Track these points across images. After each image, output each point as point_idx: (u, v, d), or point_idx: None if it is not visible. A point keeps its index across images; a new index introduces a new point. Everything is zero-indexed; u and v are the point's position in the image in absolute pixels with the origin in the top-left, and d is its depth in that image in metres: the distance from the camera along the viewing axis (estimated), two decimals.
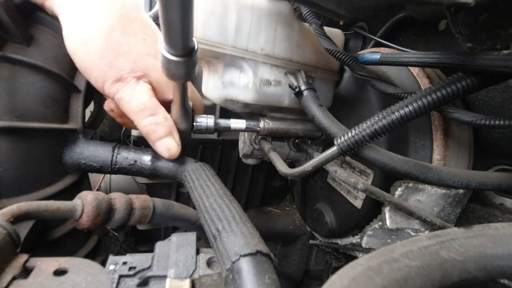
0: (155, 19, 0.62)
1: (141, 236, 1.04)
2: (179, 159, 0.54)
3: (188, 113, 0.51)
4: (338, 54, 0.54)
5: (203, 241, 0.54)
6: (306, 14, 0.55)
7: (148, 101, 0.48)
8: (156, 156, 0.54)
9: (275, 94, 0.61)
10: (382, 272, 0.23)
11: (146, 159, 0.54)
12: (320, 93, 0.59)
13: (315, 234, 0.81)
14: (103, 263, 0.31)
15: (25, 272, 0.29)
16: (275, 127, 0.64)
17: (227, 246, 0.31)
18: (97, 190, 0.90)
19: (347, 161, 0.64)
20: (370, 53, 0.53)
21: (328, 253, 0.88)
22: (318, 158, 0.47)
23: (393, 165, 0.44)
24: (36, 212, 0.35)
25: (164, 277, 0.30)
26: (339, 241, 0.68)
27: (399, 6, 0.70)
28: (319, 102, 0.54)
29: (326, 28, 0.58)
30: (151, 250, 0.34)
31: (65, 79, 0.52)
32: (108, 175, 0.93)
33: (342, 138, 0.43)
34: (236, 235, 0.32)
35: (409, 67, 0.60)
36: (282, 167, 0.57)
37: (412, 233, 0.54)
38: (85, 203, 0.40)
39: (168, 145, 0.51)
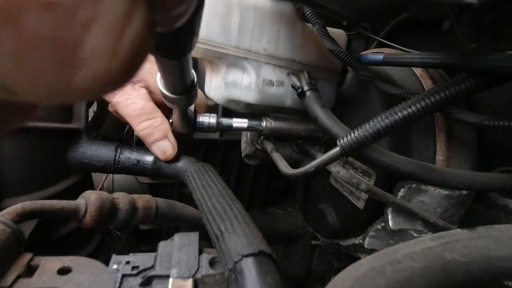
0: None
1: (143, 236, 1.04)
2: (182, 160, 0.55)
3: (189, 118, 0.52)
4: (341, 55, 0.54)
5: (205, 241, 0.54)
6: (309, 15, 0.55)
7: (145, 106, 0.50)
8: None
9: (278, 95, 0.61)
10: (385, 273, 0.23)
11: (149, 159, 0.54)
12: (323, 93, 0.59)
13: (317, 235, 0.81)
14: (106, 263, 0.31)
15: (30, 270, 0.29)
16: (277, 126, 0.64)
17: (230, 246, 0.31)
18: (100, 189, 0.90)
19: (349, 161, 0.64)
20: (373, 54, 0.53)
21: (331, 254, 0.88)
22: (321, 158, 0.47)
23: (396, 166, 0.44)
24: (40, 211, 0.35)
25: (167, 276, 0.30)
26: (341, 242, 0.68)
27: (402, 7, 0.69)
28: (322, 102, 0.54)
29: (329, 29, 0.58)
30: (153, 249, 0.34)
31: None
32: (111, 175, 0.93)
33: (345, 139, 0.43)
34: (238, 235, 0.32)
35: (412, 68, 0.59)
36: (284, 167, 0.57)
37: (415, 234, 0.54)
38: (88, 202, 0.40)
39: (163, 147, 0.52)
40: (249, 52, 0.56)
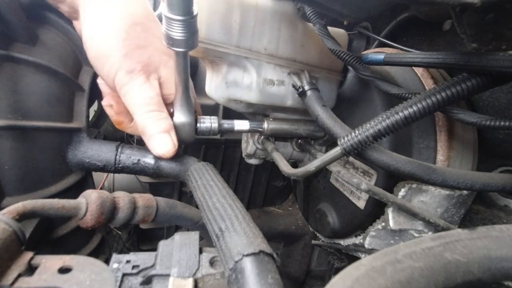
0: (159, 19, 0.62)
1: (144, 235, 1.05)
2: (182, 159, 0.54)
3: (190, 102, 0.51)
4: (341, 54, 0.54)
5: (205, 240, 0.54)
6: (310, 14, 0.55)
7: (155, 97, 0.49)
8: None
9: (279, 94, 0.61)
10: (385, 273, 0.23)
11: (150, 158, 0.54)
12: (323, 93, 0.59)
13: (317, 235, 0.81)
14: (107, 262, 0.31)
15: (30, 269, 0.29)
16: (278, 127, 0.64)
17: (230, 245, 0.31)
18: (101, 189, 0.90)
19: (350, 161, 0.64)
20: (374, 53, 0.53)
21: (331, 253, 0.88)
22: (321, 158, 0.47)
23: (397, 166, 0.44)
24: (41, 210, 0.35)
25: (167, 276, 0.30)
26: (341, 242, 0.68)
27: (404, 6, 0.69)
28: (322, 102, 0.54)
29: (330, 28, 0.57)
30: (154, 249, 0.34)
31: (70, 78, 0.52)
32: (112, 174, 0.93)
33: (346, 139, 0.43)
34: (239, 235, 0.32)
35: (413, 68, 0.59)
36: (285, 167, 0.57)
37: (416, 234, 0.54)
38: (89, 201, 0.40)
39: (165, 140, 0.49)
40: (250, 52, 0.56)
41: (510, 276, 0.25)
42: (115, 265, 0.31)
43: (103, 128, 0.97)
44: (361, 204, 0.59)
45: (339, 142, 0.44)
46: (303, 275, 1.11)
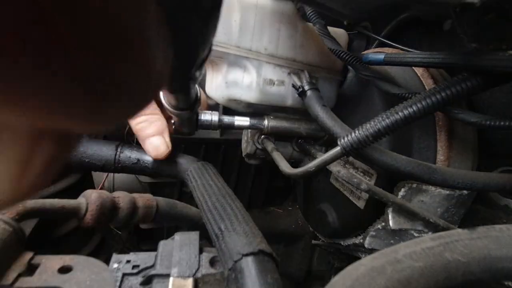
0: None
1: (144, 235, 1.05)
2: (182, 159, 0.54)
3: (192, 118, 0.52)
4: (341, 54, 0.54)
5: (205, 240, 0.54)
6: (310, 14, 0.55)
7: None
8: None
9: (279, 94, 0.61)
10: (385, 273, 0.23)
11: (149, 158, 0.54)
12: (323, 93, 0.59)
13: (317, 235, 0.81)
14: (107, 261, 0.31)
15: (30, 269, 0.29)
16: (279, 125, 0.64)
17: (230, 245, 0.31)
18: (101, 188, 0.90)
19: (350, 161, 0.64)
20: (374, 53, 0.53)
21: (331, 253, 0.88)
22: (321, 158, 0.47)
23: (397, 166, 0.44)
24: (41, 210, 0.35)
25: (167, 275, 0.30)
26: (341, 242, 0.68)
27: (404, 6, 0.69)
28: (322, 102, 0.54)
29: (329, 28, 0.57)
30: (154, 248, 0.34)
31: None
32: (112, 174, 0.93)
33: (346, 138, 0.43)
34: (238, 235, 0.32)
35: (413, 67, 0.59)
36: (285, 167, 0.57)
37: (416, 234, 0.54)
38: (89, 201, 0.40)
39: (156, 143, 0.51)
40: (249, 52, 0.56)
41: (510, 276, 0.25)
42: (115, 265, 0.31)
43: None
44: (361, 204, 0.59)
45: (339, 142, 0.44)
46: (303, 275, 1.11)
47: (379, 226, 0.56)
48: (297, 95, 0.59)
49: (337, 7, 0.46)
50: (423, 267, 0.24)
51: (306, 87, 0.56)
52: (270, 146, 0.66)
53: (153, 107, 0.51)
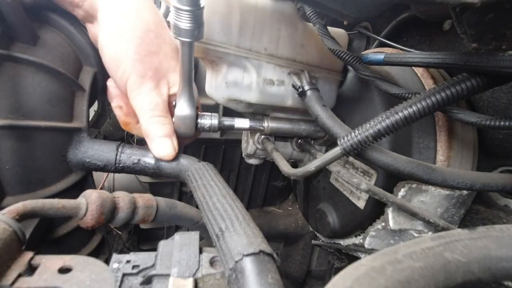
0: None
1: (144, 235, 1.05)
2: (182, 159, 0.54)
3: (193, 96, 0.52)
4: (341, 54, 0.54)
5: (205, 240, 0.54)
6: (310, 14, 0.55)
7: (161, 104, 0.52)
8: None
9: (279, 94, 0.61)
10: (385, 273, 0.23)
11: (150, 158, 0.54)
12: (323, 93, 0.59)
13: (317, 235, 0.81)
14: (107, 262, 0.31)
15: (30, 269, 0.29)
16: (278, 126, 0.64)
17: (230, 245, 0.31)
18: (101, 188, 0.90)
19: (350, 161, 0.64)
20: (374, 53, 0.53)
21: (331, 253, 0.88)
22: (321, 158, 0.47)
23: (397, 166, 0.44)
24: (41, 210, 0.35)
25: (167, 275, 0.30)
26: (341, 242, 0.68)
27: (403, 6, 0.69)
28: (322, 102, 0.54)
29: (329, 28, 0.57)
30: (154, 249, 0.34)
31: (70, 78, 0.52)
32: (112, 174, 0.93)
33: (345, 139, 0.43)
34: (239, 235, 0.32)
35: (413, 68, 0.59)
36: (285, 167, 0.57)
37: (416, 234, 0.54)
38: (89, 201, 0.40)
39: (164, 145, 0.52)
40: (249, 52, 0.56)
41: (510, 276, 0.25)
42: (115, 265, 0.31)
43: (103, 128, 0.97)
44: (361, 204, 0.59)
45: (339, 142, 0.44)
46: (303, 275, 1.11)
47: (379, 226, 0.56)
48: (297, 95, 0.59)
49: (337, 7, 0.46)
50: (423, 267, 0.24)
51: (306, 87, 0.56)
52: (270, 146, 0.66)
53: (165, 110, 0.52)
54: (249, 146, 0.71)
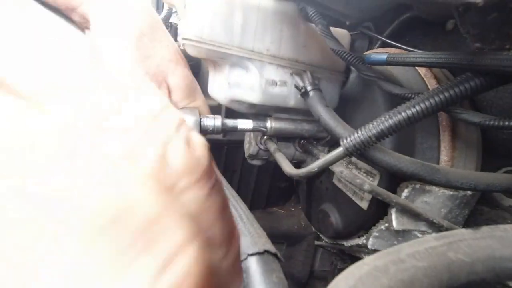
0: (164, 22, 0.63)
1: None
2: None
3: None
4: (344, 55, 0.54)
5: None
6: (312, 15, 0.55)
7: None
8: None
9: (281, 95, 0.61)
10: (388, 273, 0.23)
11: None
12: (326, 93, 0.59)
13: (320, 235, 0.81)
14: None
15: None
16: (281, 126, 0.64)
17: None
18: None
19: (353, 161, 0.64)
20: (377, 53, 0.53)
21: (334, 254, 0.88)
22: (324, 158, 0.47)
23: (400, 166, 0.44)
24: None
25: None
26: (344, 243, 0.68)
27: (406, 6, 0.69)
28: (325, 102, 0.54)
29: (332, 29, 0.58)
30: None
31: None
32: None
33: (348, 139, 0.43)
34: (243, 235, 0.32)
35: (416, 68, 0.59)
36: (287, 167, 0.57)
37: (419, 235, 0.54)
38: None
39: None
40: (252, 52, 0.56)
41: None
42: None
43: None
44: (364, 204, 0.59)
45: (341, 143, 0.44)
46: (306, 275, 1.11)
47: (382, 227, 0.56)
48: (299, 96, 0.59)
49: (339, 8, 0.46)
50: (427, 267, 0.24)
51: (309, 88, 0.56)
52: (272, 146, 0.66)
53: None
54: (251, 146, 0.71)
